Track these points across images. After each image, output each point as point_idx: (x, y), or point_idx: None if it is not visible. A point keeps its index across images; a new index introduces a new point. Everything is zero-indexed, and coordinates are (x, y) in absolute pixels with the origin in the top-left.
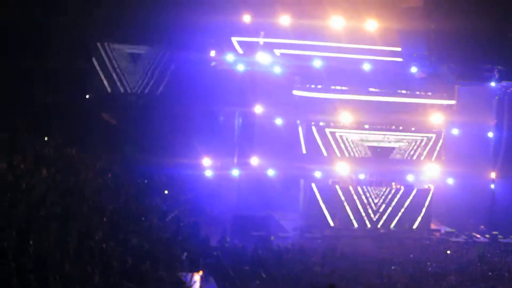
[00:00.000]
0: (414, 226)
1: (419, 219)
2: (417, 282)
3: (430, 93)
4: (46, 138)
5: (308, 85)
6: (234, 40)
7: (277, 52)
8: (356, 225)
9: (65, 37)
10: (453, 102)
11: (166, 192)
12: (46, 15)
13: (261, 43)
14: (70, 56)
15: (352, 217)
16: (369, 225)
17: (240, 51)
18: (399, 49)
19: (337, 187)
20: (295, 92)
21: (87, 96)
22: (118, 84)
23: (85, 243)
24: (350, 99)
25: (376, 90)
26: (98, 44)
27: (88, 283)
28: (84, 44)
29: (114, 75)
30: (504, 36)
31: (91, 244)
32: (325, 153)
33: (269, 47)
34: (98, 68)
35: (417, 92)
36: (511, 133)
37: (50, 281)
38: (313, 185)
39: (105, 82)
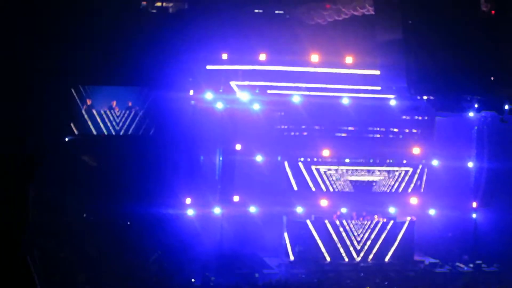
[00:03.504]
0: (398, 258)
1: (403, 250)
2: None
3: (410, 126)
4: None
5: (288, 121)
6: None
7: (256, 89)
8: (343, 259)
9: (43, 81)
10: (433, 134)
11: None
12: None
13: (240, 81)
14: (48, 100)
15: (337, 251)
16: (354, 259)
17: (218, 89)
18: (378, 83)
19: (321, 222)
20: (275, 129)
21: (66, 139)
22: (98, 126)
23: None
24: (330, 135)
25: (357, 124)
26: (77, 86)
27: None
28: (62, 87)
29: (93, 117)
30: (482, 66)
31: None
32: (313, 188)
33: (248, 84)
34: (78, 111)
35: (397, 125)
36: (491, 163)
37: None
38: (296, 221)
39: (85, 125)
